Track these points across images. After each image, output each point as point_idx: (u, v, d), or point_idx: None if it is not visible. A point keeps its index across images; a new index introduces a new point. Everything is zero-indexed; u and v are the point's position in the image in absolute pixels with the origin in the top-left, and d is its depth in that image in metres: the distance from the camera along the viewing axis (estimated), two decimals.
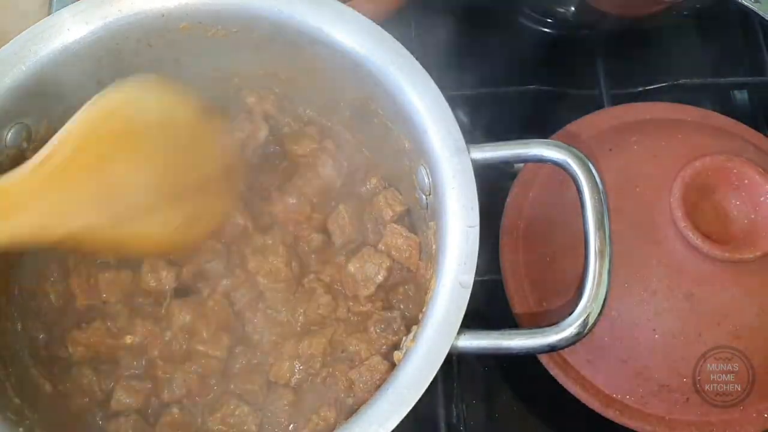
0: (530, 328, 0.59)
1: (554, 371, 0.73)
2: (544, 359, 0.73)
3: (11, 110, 0.64)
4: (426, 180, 0.65)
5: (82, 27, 0.66)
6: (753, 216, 0.67)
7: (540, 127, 0.86)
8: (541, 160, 0.62)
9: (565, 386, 0.72)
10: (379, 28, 0.66)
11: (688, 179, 0.67)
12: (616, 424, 0.71)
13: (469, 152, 0.62)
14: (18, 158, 0.65)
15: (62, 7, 0.66)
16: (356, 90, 0.70)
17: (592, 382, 0.72)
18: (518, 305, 0.76)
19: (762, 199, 0.66)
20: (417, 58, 0.65)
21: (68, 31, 0.65)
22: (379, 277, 0.72)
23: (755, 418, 0.70)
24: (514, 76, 0.96)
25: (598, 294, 0.58)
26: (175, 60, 0.71)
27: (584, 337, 0.58)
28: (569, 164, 0.60)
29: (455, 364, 0.80)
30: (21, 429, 0.59)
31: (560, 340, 0.57)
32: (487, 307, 0.80)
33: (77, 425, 0.69)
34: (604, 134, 0.81)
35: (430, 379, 0.55)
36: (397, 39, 0.66)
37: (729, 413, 0.69)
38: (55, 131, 0.66)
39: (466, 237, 0.59)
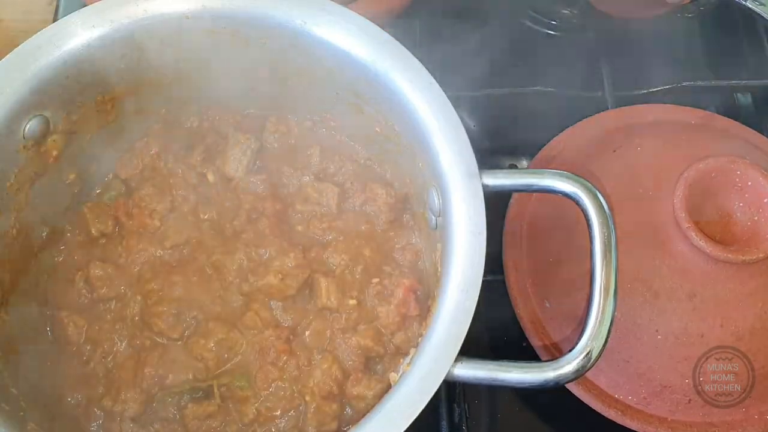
0: (528, 361, 0.58)
1: None
2: (545, 359, 0.73)
3: (32, 102, 0.65)
4: (436, 201, 0.65)
5: (106, 24, 0.67)
6: (756, 218, 0.67)
7: (544, 129, 0.86)
8: (552, 191, 0.61)
9: (566, 386, 0.72)
10: (401, 45, 0.66)
11: (692, 181, 0.67)
12: (618, 425, 0.71)
13: (480, 178, 0.61)
14: (35, 150, 0.67)
15: (69, 5, 0.67)
16: (373, 109, 0.72)
17: (594, 382, 0.72)
18: (521, 306, 0.76)
19: (765, 201, 0.66)
20: (421, 60, 0.66)
21: (93, 28, 0.66)
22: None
23: (757, 419, 0.70)
24: (518, 77, 0.97)
25: (600, 332, 0.57)
26: (201, 60, 0.73)
27: (583, 374, 0.57)
28: (580, 197, 0.60)
29: None
30: (14, 421, 0.59)
31: (558, 376, 0.57)
32: (489, 307, 0.80)
33: (71, 422, 0.69)
34: (608, 136, 0.82)
35: (423, 405, 0.54)
36: (401, 40, 0.66)
37: (731, 414, 0.70)
38: (73, 124, 0.67)
39: (471, 264, 0.59)
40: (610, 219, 0.59)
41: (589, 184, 0.60)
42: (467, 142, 0.63)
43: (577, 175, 0.61)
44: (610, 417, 0.71)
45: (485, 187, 0.61)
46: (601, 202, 0.60)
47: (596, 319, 0.57)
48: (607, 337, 0.57)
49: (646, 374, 0.70)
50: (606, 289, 0.58)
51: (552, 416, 0.81)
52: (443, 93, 0.64)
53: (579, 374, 0.57)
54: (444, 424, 0.78)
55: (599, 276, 0.58)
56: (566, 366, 0.57)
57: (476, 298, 0.58)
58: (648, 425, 0.70)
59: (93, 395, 0.70)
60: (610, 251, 0.58)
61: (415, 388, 0.55)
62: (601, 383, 0.72)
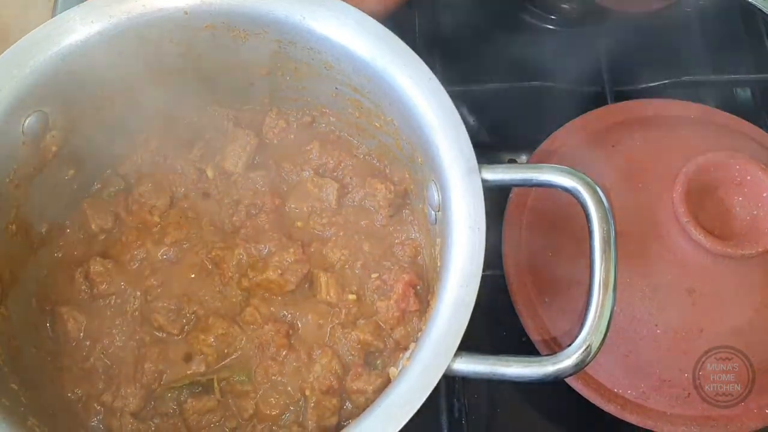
0: (528, 356, 0.58)
1: None
2: (545, 354, 0.73)
3: (31, 98, 0.66)
4: (435, 196, 0.65)
5: (105, 20, 0.67)
6: (755, 212, 0.67)
7: (544, 124, 0.86)
8: (551, 186, 0.61)
9: (566, 381, 0.72)
10: (400, 41, 0.66)
11: (691, 175, 0.67)
12: (617, 419, 0.71)
13: (480, 172, 0.61)
14: (34, 145, 0.67)
15: (67, 1, 0.67)
16: (372, 104, 0.72)
17: (593, 376, 0.72)
18: (520, 300, 0.76)
19: (764, 195, 0.67)
20: (421, 54, 0.65)
21: (92, 24, 0.67)
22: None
23: (756, 413, 0.70)
24: (518, 72, 0.97)
25: (599, 326, 0.57)
26: (200, 55, 0.73)
27: (583, 368, 0.57)
28: (579, 192, 0.60)
29: None
30: (14, 416, 0.60)
31: (558, 370, 0.57)
32: (489, 302, 0.81)
33: (72, 417, 0.69)
34: (608, 130, 0.82)
35: (423, 400, 0.54)
36: (400, 35, 0.66)
37: (729, 408, 0.70)
38: (72, 119, 0.68)
39: (471, 259, 0.59)
40: (609, 213, 0.59)
41: (589, 179, 0.60)
42: (466, 137, 0.63)
43: (577, 170, 0.61)
44: (609, 411, 0.71)
45: (484, 182, 0.61)
46: (600, 196, 0.59)
47: (595, 313, 0.57)
48: (607, 331, 0.57)
49: (646, 368, 0.70)
50: (605, 284, 0.58)
51: (551, 411, 0.82)
52: (442, 88, 0.64)
53: (578, 368, 0.57)
54: (444, 418, 0.78)
55: (598, 270, 0.58)
56: (566, 360, 0.57)
57: (476, 293, 0.58)
58: (647, 419, 0.70)
59: (93, 391, 0.70)
60: (610, 246, 0.58)
61: (414, 383, 0.55)
62: (600, 377, 0.72)
